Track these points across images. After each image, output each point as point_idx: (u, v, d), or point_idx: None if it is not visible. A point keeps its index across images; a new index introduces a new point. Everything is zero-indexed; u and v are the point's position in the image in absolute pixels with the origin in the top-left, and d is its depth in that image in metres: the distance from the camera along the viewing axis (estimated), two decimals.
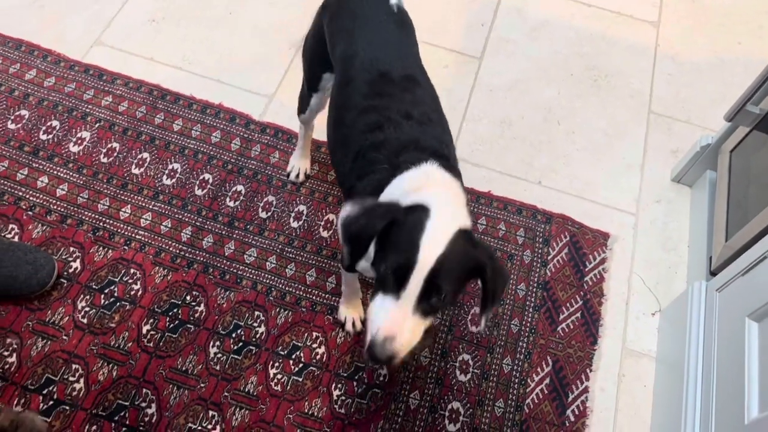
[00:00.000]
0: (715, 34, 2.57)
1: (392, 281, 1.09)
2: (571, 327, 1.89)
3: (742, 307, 1.54)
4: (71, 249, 1.87)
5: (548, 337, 1.86)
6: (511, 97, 2.33)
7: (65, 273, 1.83)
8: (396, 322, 1.08)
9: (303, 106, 1.83)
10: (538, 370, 1.82)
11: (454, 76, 2.37)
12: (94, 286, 1.81)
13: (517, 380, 1.80)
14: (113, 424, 1.64)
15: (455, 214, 1.19)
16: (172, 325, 1.78)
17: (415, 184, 1.25)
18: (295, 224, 1.98)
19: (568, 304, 1.92)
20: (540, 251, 2.00)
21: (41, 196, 1.95)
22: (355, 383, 1.75)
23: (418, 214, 1.13)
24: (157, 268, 1.86)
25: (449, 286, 1.09)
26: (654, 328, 1.92)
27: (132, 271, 1.85)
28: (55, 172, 2.00)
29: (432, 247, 1.08)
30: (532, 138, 2.24)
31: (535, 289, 1.94)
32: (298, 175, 2.04)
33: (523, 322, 1.88)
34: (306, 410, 1.70)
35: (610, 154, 2.23)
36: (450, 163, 1.35)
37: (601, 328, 1.90)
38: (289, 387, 1.72)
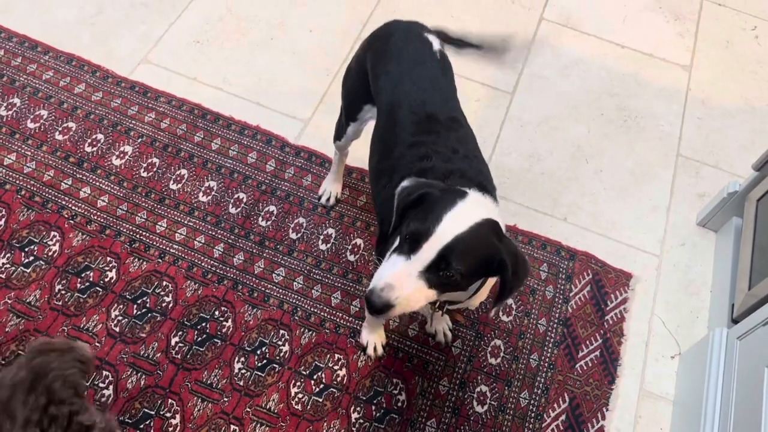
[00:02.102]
0: (747, 81, 2.59)
1: (408, 244, 1.15)
2: (590, 365, 1.90)
3: (763, 357, 1.55)
4: (108, 259, 1.94)
5: (566, 374, 1.88)
6: (540, 133, 2.38)
7: (101, 282, 1.90)
8: (399, 276, 1.14)
9: (340, 133, 1.89)
10: (555, 405, 1.83)
11: (485, 110, 2.42)
12: (127, 296, 1.88)
13: (533, 415, 1.82)
14: None
15: (489, 209, 1.25)
16: (199, 339, 1.83)
17: None
18: (323, 247, 2.04)
19: (587, 342, 1.94)
20: (562, 287, 2.03)
21: (83, 206, 2.03)
22: (373, 407, 1.78)
23: (453, 193, 1.20)
24: (188, 282, 1.93)
25: (460, 266, 1.14)
26: (673, 371, 1.93)
27: (164, 283, 1.92)
28: (98, 184, 2.08)
29: (454, 223, 1.14)
30: (559, 174, 2.28)
31: (555, 325, 1.96)
32: (329, 199, 2.10)
33: (542, 357, 1.90)
34: (324, 431, 1.73)
35: (636, 195, 2.26)
36: (493, 196, 1.40)
37: (620, 368, 1.91)
38: (309, 407, 1.76)
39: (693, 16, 2.80)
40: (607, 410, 1.84)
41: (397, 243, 1.21)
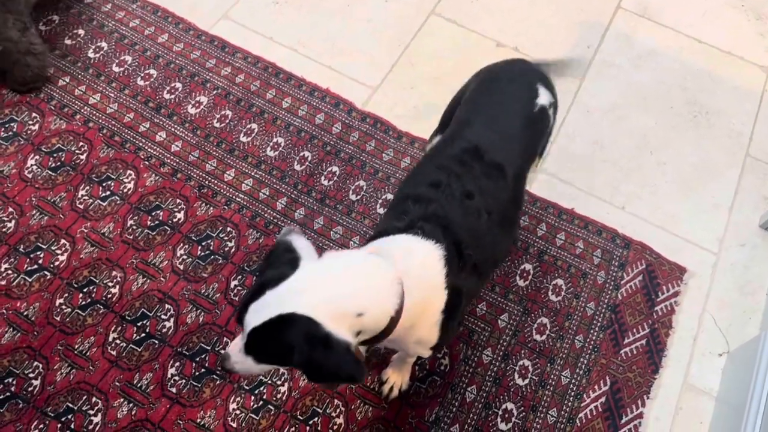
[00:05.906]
0: None
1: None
2: (635, 352, 1.91)
3: None
4: (177, 201, 2.04)
5: (610, 358, 1.90)
6: (607, 120, 2.36)
7: (170, 221, 2.00)
8: (233, 348, 1.22)
9: (431, 138, 2.01)
10: (596, 387, 1.85)
11: None
12: (193, 237, 1.98)
13: (573, 393, 1.84)
14: (194, 364, 1.79)
15: (316, 292, 1.14)
16: None
17: (393, 254, 1.25)
18: (381, 210, 2.09)
19: (634, 330, 1.94)
20: (614, 274, 2.03)
21: (158, 149, 2.13)
22: (417, 368, 1.84)
23: (279, 274, 1.16)
24: (251, 230, 2.01)
25: (259, 355, 1.18)
26: (719, 368, 1.92)
27: (228, 229, 2.00)
28: (173, 130, 2.18)
29: (253, 317, 1.14)
30: (622, 163, 2.27)
31: (603, 310, 1.97)
32: None
33: (588, 339, 1.92)
34: (368, 384, 1.80)
35: (699, 191, 2.23)
36: (459, 263, 1.31)
37: (665, 359, 1.92)
38: None
39: None
40: (648, 398, 1.85)
41: None
